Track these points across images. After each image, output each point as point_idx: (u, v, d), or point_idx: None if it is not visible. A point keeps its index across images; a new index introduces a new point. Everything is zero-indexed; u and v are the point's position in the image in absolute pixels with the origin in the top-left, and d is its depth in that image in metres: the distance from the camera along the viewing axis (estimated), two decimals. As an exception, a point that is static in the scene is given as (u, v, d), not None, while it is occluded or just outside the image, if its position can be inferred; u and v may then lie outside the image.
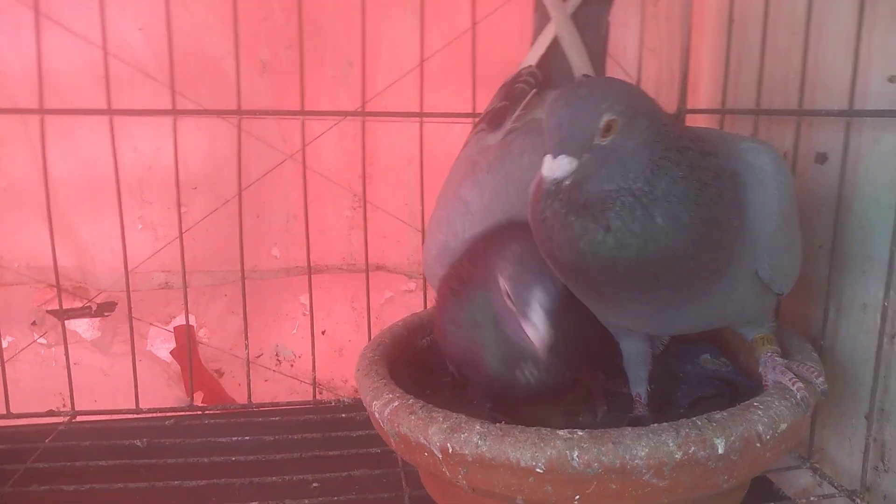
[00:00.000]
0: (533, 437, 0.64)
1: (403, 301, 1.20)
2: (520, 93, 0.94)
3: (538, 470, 0.63)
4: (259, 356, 1.18)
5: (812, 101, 0.91)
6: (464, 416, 0.69)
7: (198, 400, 1.18)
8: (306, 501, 0.85)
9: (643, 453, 0.62)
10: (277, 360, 1.20)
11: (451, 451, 0.67)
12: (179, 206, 1.07)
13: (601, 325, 0.80)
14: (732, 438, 0.64)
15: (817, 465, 0.91)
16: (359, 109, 1.10)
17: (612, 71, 1.12)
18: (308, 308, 1.15)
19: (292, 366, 1.20)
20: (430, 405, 0.73)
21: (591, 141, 0.61)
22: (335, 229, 1.16)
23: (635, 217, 0.62)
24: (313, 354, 1.14)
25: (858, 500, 0.83)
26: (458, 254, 0.83)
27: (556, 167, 0.61)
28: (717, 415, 0.66)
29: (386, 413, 0.75)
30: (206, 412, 1.12)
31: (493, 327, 0.76)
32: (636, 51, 1.15)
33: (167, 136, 1.06)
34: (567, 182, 0.61)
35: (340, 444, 0.99)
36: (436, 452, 0.68)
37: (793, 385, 0.71)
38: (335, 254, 1.17)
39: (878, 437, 0.85)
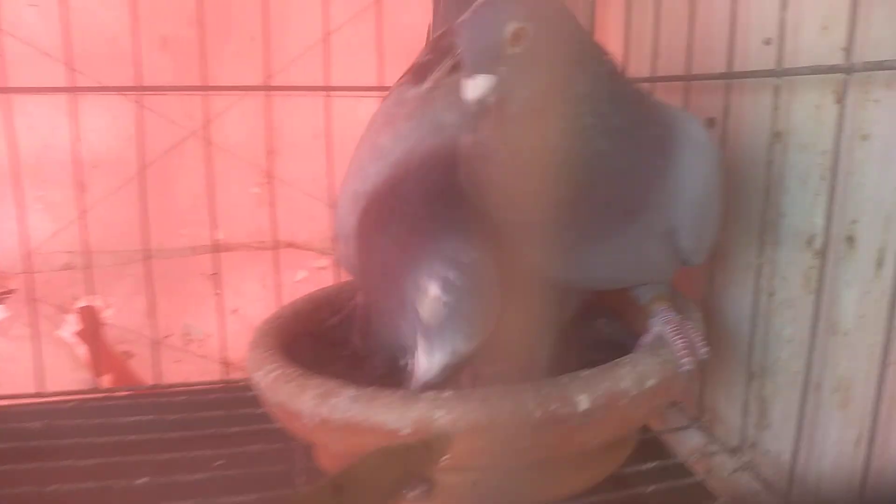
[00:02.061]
0: (400, 400, 0.65)
1: (317, 278, 1.20)
2: (447, 47, 0.92)
3: (405, 431, 0.64)
4: (168, 336, 1.17)
5: (702, 66, 0.92)
6: (338, 382, 0.69)
7: (106, 383, 1.17)
8: (199, 475, 0.84)
9: (506, 412, 0.63)
10: (187, 340, 1.18)
11: (323, 416, 0.67)
12: (79, 185, 1.05)
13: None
14: (596, 395, 0.65)
15: (706, 425, 0.92)
16: (262, 84, 1.09)
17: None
18: (218, 287, 1.15)
19: (201, 345, 1.18)
20: (308, 373, 0.73)
21: (503, 53, 0.59)
22: (243, 206, 1.15)
23: (565, 118, 0.61)
24: (223, 334, 1.14)
25: (738, 456, 0.85)
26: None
27: (474, 87, 0.59)
28: (584, 372, 0.67)
29: (265, 383, 0.75)
30: (112, 394, 1.11)
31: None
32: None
33: (65, 115, 1.05)
34: (490, 99, 0.59)
35: (243, 421, 0.98)
36: (310, 419, 0.68)
37: (678, 341, 0.72)
38: (244, 231, 1.16)
39: (760, 394, 0.87)
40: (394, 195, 0.74)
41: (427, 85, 0.87)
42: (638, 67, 1.07)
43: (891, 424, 0.68)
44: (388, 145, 0.81)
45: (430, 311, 0.65)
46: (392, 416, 0.64)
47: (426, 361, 0.66)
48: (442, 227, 0.68)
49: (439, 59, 0.90)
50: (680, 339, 0.72)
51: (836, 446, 0.77)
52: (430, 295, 0.64)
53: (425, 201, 0.70)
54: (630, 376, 0.68)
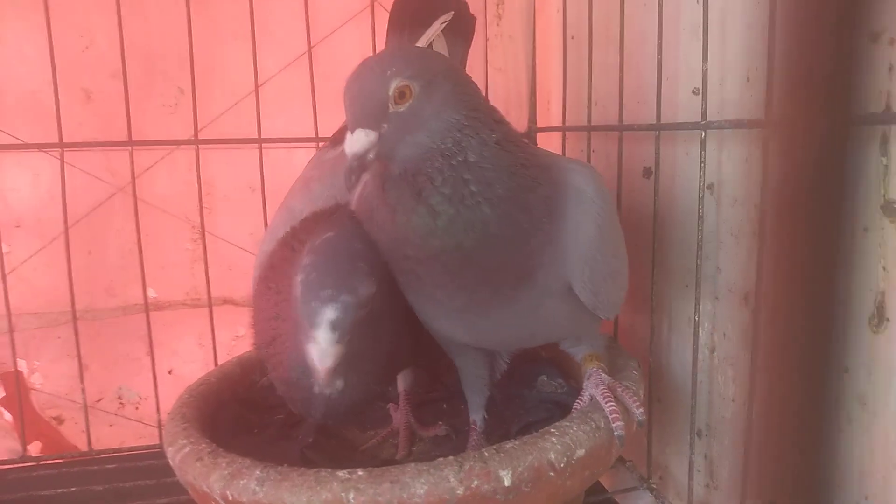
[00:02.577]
0: (310, 481, 0.61)
1: (257, 335, 1.15)
2: None
3: (315, 515, 0.60)
4: (99, 400, 1.12)
5: (635, 115, 0.90)
6: (247, 462, 0.65)
7: (35, 450, 1.11)
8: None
9: (422, 491, 0.59)
10: (120, 403, 1.13)
11: (230, 498, 0.63)
12: (0, 244, 1.01)
13: (414, 338, 0.76)
14: (521, 469, 0.62)
15: (654, 486, 0.89)
16: (192, 138, 1.06)
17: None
18: (151, 347, 1.10)
19: (137, 408, 1.14)
20: (218, 450, 0.68)
21: (387, 110, 0.58)
22: (176, 264, 1.11)
23: (445, 179, 0.59)
24: (156, 396, 1.09)
25: (686, 521, 0.81)
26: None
27: (354, 142, 0.58)
28: (508, 444, 0.64)
29: (177, 460, 0.71)
30: (42, 462, 1.05)
31: (293, 335, 0.66)
32: (482, 70, 1.14)
33: (-17, 173, 1.01)
34: (371, 155, 0.58)
35: (173, 491, 0.93)
36: (219, 501, 0.64)
37: (607, 406, 0.69)
38: (178, 289, 1.12)
39: (709, 454, 0.83)
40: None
41: (343, 146, 0.85)
42: (576, 116, 1.05)
43: (831, 494, 0.65)
44: (298, 207, 0.79)
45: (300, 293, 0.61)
46: (301, 498, 0.60)
47: (315, 350, 0.60)
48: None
49: None
50: (611, 403, 0.69)
51: (782, 512, 0.73)
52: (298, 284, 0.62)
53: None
54: (557, 447, 0.64)
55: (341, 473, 0.61)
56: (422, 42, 0.90)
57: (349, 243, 0.66)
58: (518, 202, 0.61)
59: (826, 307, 0.24)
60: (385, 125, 0.58)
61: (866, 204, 0.58)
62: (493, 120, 0.63)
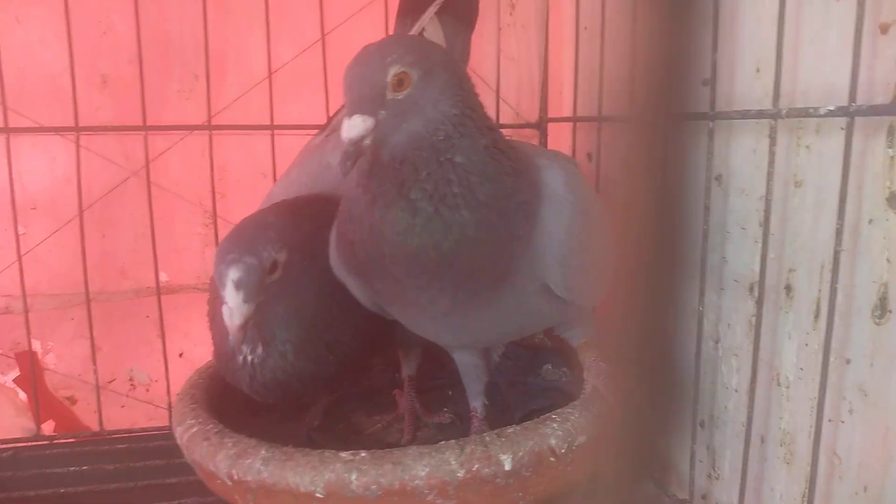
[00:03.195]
0: (314, 461, 0.62)
1: (267, 320, 1.17)
2: None
3: (318, 495, 0.61)
4: (112, 381, 1.13)
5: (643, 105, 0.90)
6: (253, 442, 0.66)
7: (49, 429, 1.13)
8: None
9: (423, 473, 0.60)
10: (132, 384, 1.15)
11: (236, 477, 0.64)
12: (16, 226, 1.02)
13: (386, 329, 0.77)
14: (521, 454, 0.62)
15: (656, 476, 0.89)
16: (205, 123, 1.07)
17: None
18: (162, 330, 1.11)
19: (148, 390, 1.15)
20: (226, 430, 0.70)
21: (385, 97, 0.58)
22: (188, 248, 1.12)
23: (430, 174, 0.59)
24: (167, 378, 1.11)
25: (687, 511, 0.81)
26: None
27: (351, 127, 0.58)
28: (509, 429, 0.64)
29: (185, 440, 0.72)
30: (55, 441, 1.07)
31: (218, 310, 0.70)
32: (494, 60, 1.14)
33: (1, 156, 1.02)
34: (367, 141, 0.58)
35: (183, 471, 0.94)
36: (225, 480, 0.65)
37: (608, 396, 0.69)
38: (189, 273, 1.13)
39: (710, 445, 0.83)
40: None
41: (327, 131, 0.86)
42: (588, 107, 1.05)
43: (831, 484, 0.65)
44: (276, 192, 0.81)
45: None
46: (304, 478, 0.61)
47: (225, 311, 0.64)
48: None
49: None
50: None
51: (781, 502, 0.73)
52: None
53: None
54: (559, 433, 0.64)
55: (344, 455, 0.62)
56: (415, 29, 0.91)
57: (264, 217, 0.71)
58: (496, 208, 0.61)
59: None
60: (383, 112, 0.58)
61: (872, 195, 0.58)
62: (486, 126, 0.63)
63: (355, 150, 0.58)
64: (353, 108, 0.58)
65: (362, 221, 0.63)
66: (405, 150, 0.59)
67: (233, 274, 0.64)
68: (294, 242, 0.69)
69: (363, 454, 0.62)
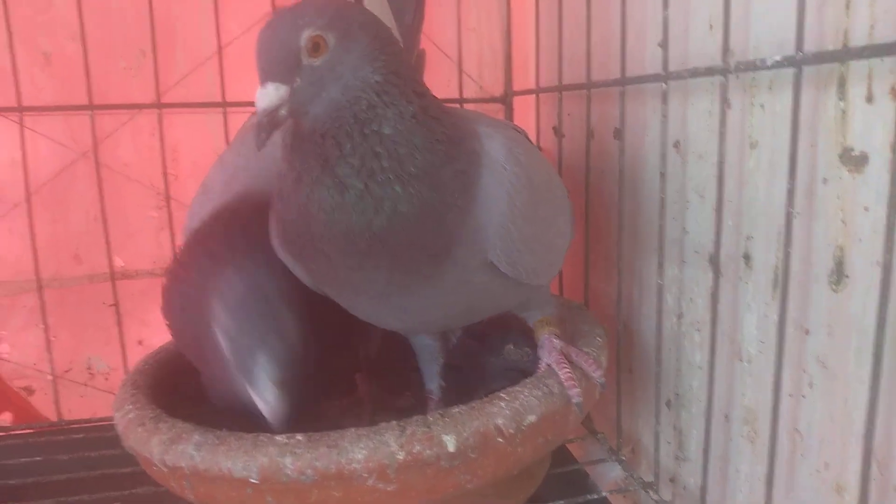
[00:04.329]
0: (247, 445, 0.59)
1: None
2: None
3: (253, 480, 0.58)
4: (68, 370, 1.10)
5: (602, 72, 0.86)
6: (188, 426, 0.63)
7: (7, 421, 1.10)
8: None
9: (361, 456, 0.57)
10: (90, 373, 1.12)
11: (170, 464, 0.61)
12: (-40, 213, 0.99)
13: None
14: (466, 434, 0.59)
15: (623, 458, 0.86)
16: (154, 101, 1.03)
17: (430, 52, 1.06)
18: (119, 317, 1.08)
19: (107, 379, 1.12)
20: (163, 416, 0.67)
21: (300, 63, 0.54)
22: (141, 231, 1.09)
23: (355, 148, 0.55)
24: (125, 366, 1.08)
25: (651, 493, 0.78)
26: None
27: (263, 97, 0.53)
28: (455, 409, 0.61)
29: (122, 426, 0.69)
30: (11, 433, 1.04)
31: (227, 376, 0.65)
32: (455, 31, 1.10)
33: (-61, 139, 0.99)
34: (283, 111, 0.53)
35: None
36: (160, 466, 0.62)
37: (561, 372, 0.66)
38: (145, 258, 1.10)
39: (677, 425, 0.81)
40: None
41: None
42: (549, 77, 1.02)
43: (793, 462, 0.62)
44: (212, 180, 0.78)
45: (235, 356, 0.61)
46: (238, 463, 0.58)
47: (263, 403, 0.61)
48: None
49: None
50: (566, 369, 0.66)
51: (746, 483, 0.71)
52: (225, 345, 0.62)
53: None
54: (506, 412, 0.61)
55: (279, 438, 0.59)
56: None
57: (261, 292, 0.64)
58: (430, 180, 0.57)
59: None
60: (298, 79, 0.54)
61: (825, 153, 0.55)
62: (413, 91, 0.58)
63: (269, 122, 0.53)
64: (265, 75, 0.54)
65: (290, 199, 0.59)
66: (325, 123, 0.55)
67: (270, 373, 0.61)
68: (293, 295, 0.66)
69: (299, 437, 0.59)
